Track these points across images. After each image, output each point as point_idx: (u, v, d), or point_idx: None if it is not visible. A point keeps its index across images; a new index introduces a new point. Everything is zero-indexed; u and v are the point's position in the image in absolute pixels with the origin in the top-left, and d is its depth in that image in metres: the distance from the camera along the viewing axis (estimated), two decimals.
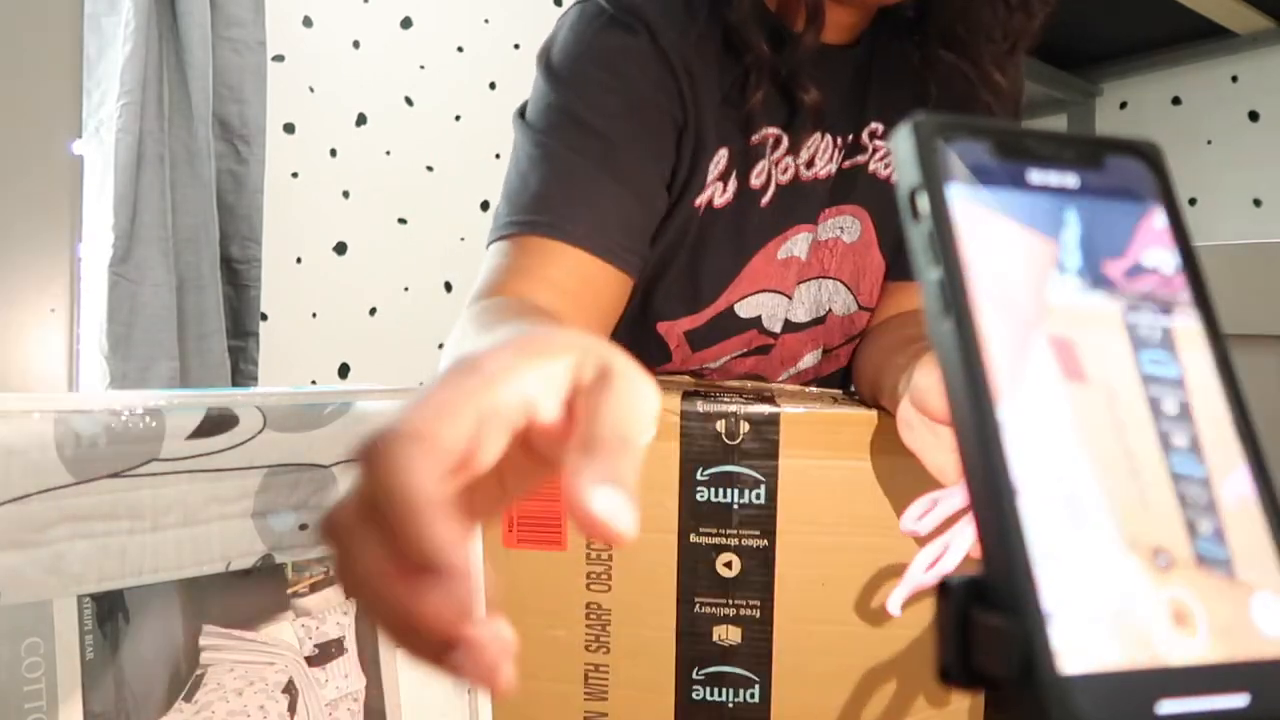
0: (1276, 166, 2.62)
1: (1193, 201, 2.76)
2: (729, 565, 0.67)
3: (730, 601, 0.68)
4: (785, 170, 0.69)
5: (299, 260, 2.26)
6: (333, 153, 2.31)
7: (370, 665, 0.58)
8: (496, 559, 0.69)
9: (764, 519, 0.67)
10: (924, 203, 0.20)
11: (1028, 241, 0.21)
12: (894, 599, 0.57)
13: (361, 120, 2.35)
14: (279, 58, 2.19)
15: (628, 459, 0.26)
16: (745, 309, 0.73)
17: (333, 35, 2.30)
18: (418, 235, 2.42)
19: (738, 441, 0.67)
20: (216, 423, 0.55)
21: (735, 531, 0.67)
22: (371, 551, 0.25)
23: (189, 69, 1.92)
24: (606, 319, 0.66)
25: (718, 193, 0.69)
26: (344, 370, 2.33)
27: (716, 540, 0.68)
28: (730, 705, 0.67)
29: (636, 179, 0.65)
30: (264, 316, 2.16)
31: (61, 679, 0.48)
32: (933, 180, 0.20)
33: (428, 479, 0.25)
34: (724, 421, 0.66)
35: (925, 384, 0.53)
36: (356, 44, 2.34)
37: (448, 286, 2.47)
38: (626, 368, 0.28)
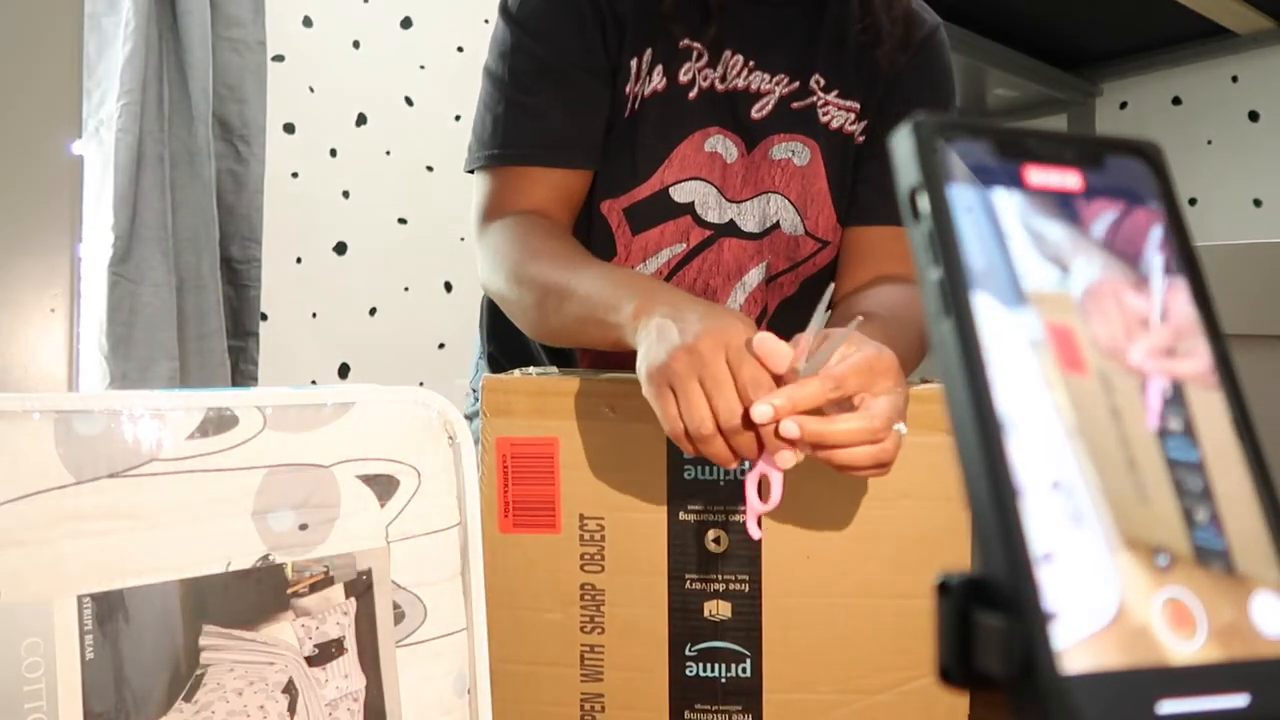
0: (1276, 166, 2.62)
1: (1193, 201, 2.76)
2: (717, 541, 0.69)
3: (719, 577, 0.69)
4: (707, 79, 0.80)
5: (299, 260, 2.26)
6: (333, 153, 2.31)
7: (370, 665, 0.58)
8: (494, 545, 0.70)
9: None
10: (924, 203, 0.20)
11: (1028, 241, 0.21)
12: (750, 526, 0.59)
13: (361, 120, 2.35)
14: (279, 58, 2.19)
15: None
16: (679, 194, 0.80)
17: (333, 35, 2.30)
18: (418, 235, 2.42)
19: None
20: (216, 423, 0.55)
21: (722, 507, 0.69)
22: (700, 403, 0.52)
23: (189, 69, 1.92)
24: (579, 200, 0.81)
25: (647, 82, 0.79)
26: (344, 370, 2.33)
27: (704, 517, 0.69)
28: (723, 680, 0.69)
29: (581, 84, 0.78)
30: (264, 316, 2.16)
31: (61, 679, 0.48)
32: (933, 180, 0.20)
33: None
34: None
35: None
36: (356, 44, 2.34)
37: (448, 286, 2.47)
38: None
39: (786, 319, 0.87)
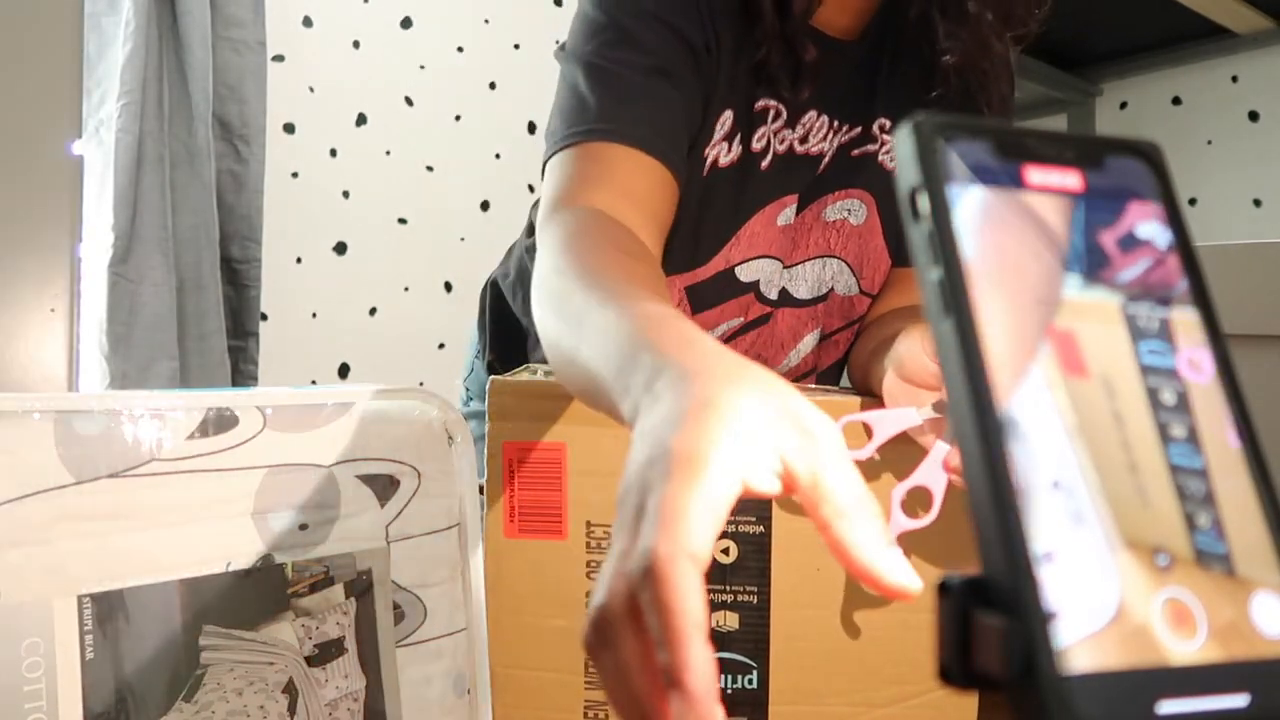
0: (1276, 166, 2.62)
1: (1193, 201, 2.76)
2: (726, 552, 0.68)
3: (728, 588, 0.68)
4: (783, 141, 0.72)
5: (299, 260, 2.26)
6: (333, 153, 2.31)
7: (370, 665, 0.58)
8: (499, 550, 0.70)
9: (759, 505, 0.68)
10: (924, 203, 0.20)
11: (1028, 241, 0.21)
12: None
13: (361, 120, 2.35)
14: (279, 58, 2.19)
15: (878, 516, 0.30)
16: (745, 273, 0.75)
17: (333, 35, 2.30)
18: (418, 235, 2.42)
19: None
20: (216, 423, 0.55)
21: (732, 518, 0.67)
22: (635, 654, 0.28)
23: (189, 69, 1.92)
24: (666, 224, 0.67)
25: (723, 151, 0.71)
26: (344, 370, 2.33)
27: None
28: (729, 691, 0.68)
29: (684, 87, 0.67)
30: (264, 316, 2.16)
31: (61, 679, 0.48)
32: (933, 180, 0.20)
33: (699, 605, 0.27)
34: None
35: (906, 350, 0.53)
36: (356, 44, 2.34)
37: (448, 286, 2.47)
38: (822, 425, 0.32)
39: (834, 372, 0.84)
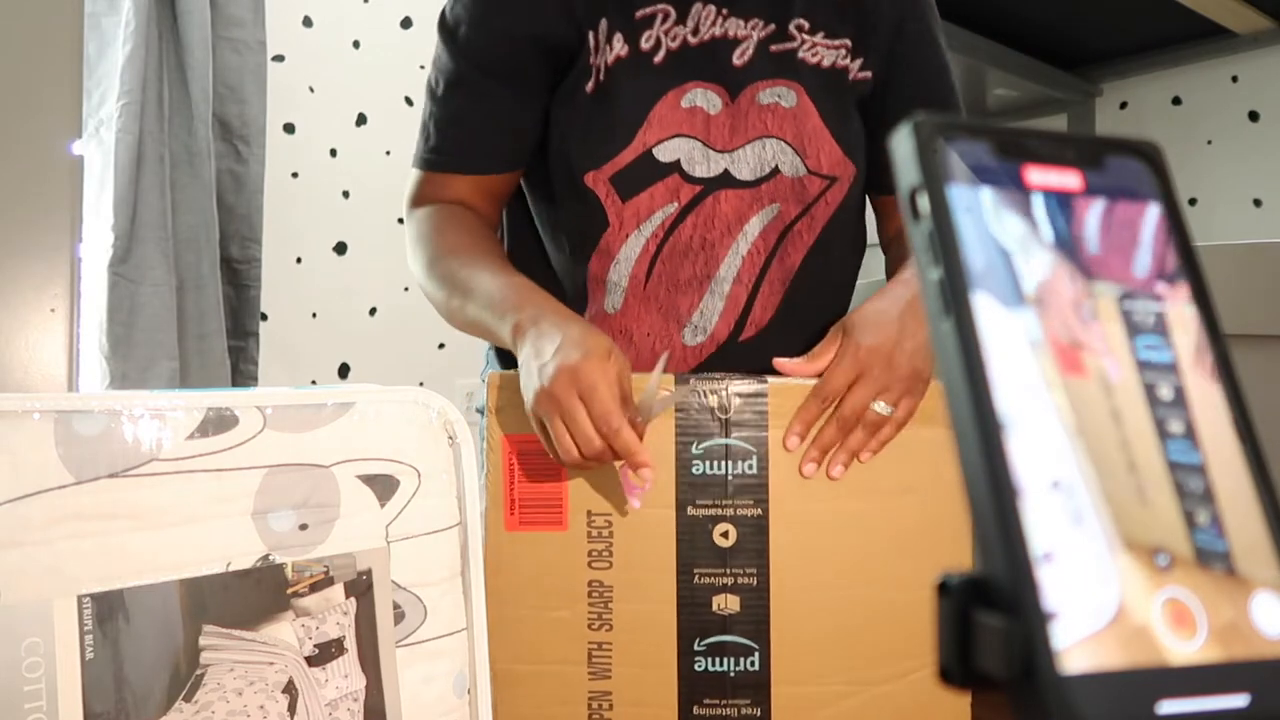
0: (1276, 166, 2.62)
1: (1193, 201, 2.76)
2: (725, 535, 0.69)
3: (728, 571, 0.69)
4: (675, 39, 0.81)
5: (299, 260, 2.26)
6: (333, 153, 2.31)
7: (370, 665, 0.58)
8: (499, 542, 0.70)
9: (757, 488, 0.69)
10: (924, 203, 0.20)
11: (1028, 241, 0.21)
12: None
13: (361, 120, 2.35)
14: (279, 58, 2.19)
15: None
16: (663, 153, 0.80)
17: (333, 35, 2.30)
18: None
19: (728, 415, 0.70)
20: (216, 423, 0.55)
21: (730, 502, 0.69)
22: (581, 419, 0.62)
23: (189, 69, 1.92)
24: (503, 200, 0.90)
25: (608, 51, 0.80)
26: (344, 370, 2.33)
27: (713, 511, 0.70)
28: (731, 674, 0.69)
29: (495, 94, 0.83)
30: (264, 316, 2.16)
31: (61, 679, 0.48)
32: (933, 180, 0.20)
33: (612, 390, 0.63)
34: (716, 396, 0.70)
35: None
36: (356, 44, 2.34)
37: None
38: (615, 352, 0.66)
39: (818, 268, 0.85)
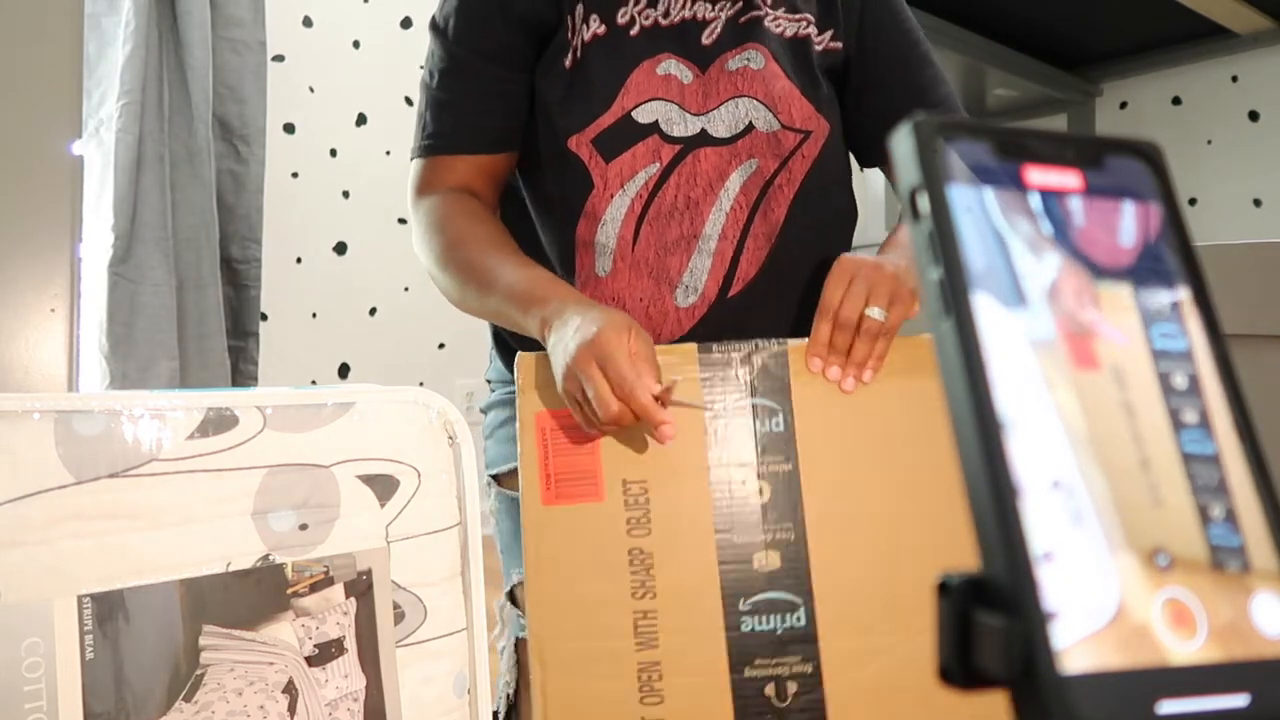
0: (1276, 166, 2.62)
1: (1193, 201, 2.76)
2: (760, 492, 0.71)
3: (765, 527, 0.70)
4: (648, 19, 0.86)
5: (299, 260, 2.26)
6: (333, 153, 2.31)
7: (370, 665, 0.58)
8: (538, 519, 0.70)
9: (785, 443, 0.71)
10: (924, 203, 0.20)
11: (1028, 241, 0.21)
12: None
13: (361, 120, 2.35)
14: (279, 58, 2.19)
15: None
16: (641, 115, 0.85)
17: (333, 35, 2.30)
18: None
19: (753, 377, 0.73)
20: (216, 423, 0.55)
21: (762, 459, 0.71)
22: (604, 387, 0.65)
23: (189, 69, 1.92)
24: (501, 184, 0.92)
25: (585, 29, 0.85)
26: (344, 370, 2.33)
27: (746, 469, 0.71)
28: (779, 632, 0.68)
29: (489, 77, 0.87)
30: (264, 316, 2.16)
31: (61, 679, 0.48)
32: (933, 180, 0.20)
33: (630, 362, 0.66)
34: (739, 360, 0.73)
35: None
36: (356, 44, 2.34)
37: None
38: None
39: (801, 222, 0.88)
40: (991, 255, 0.20)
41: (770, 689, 0.67)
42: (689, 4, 0.86)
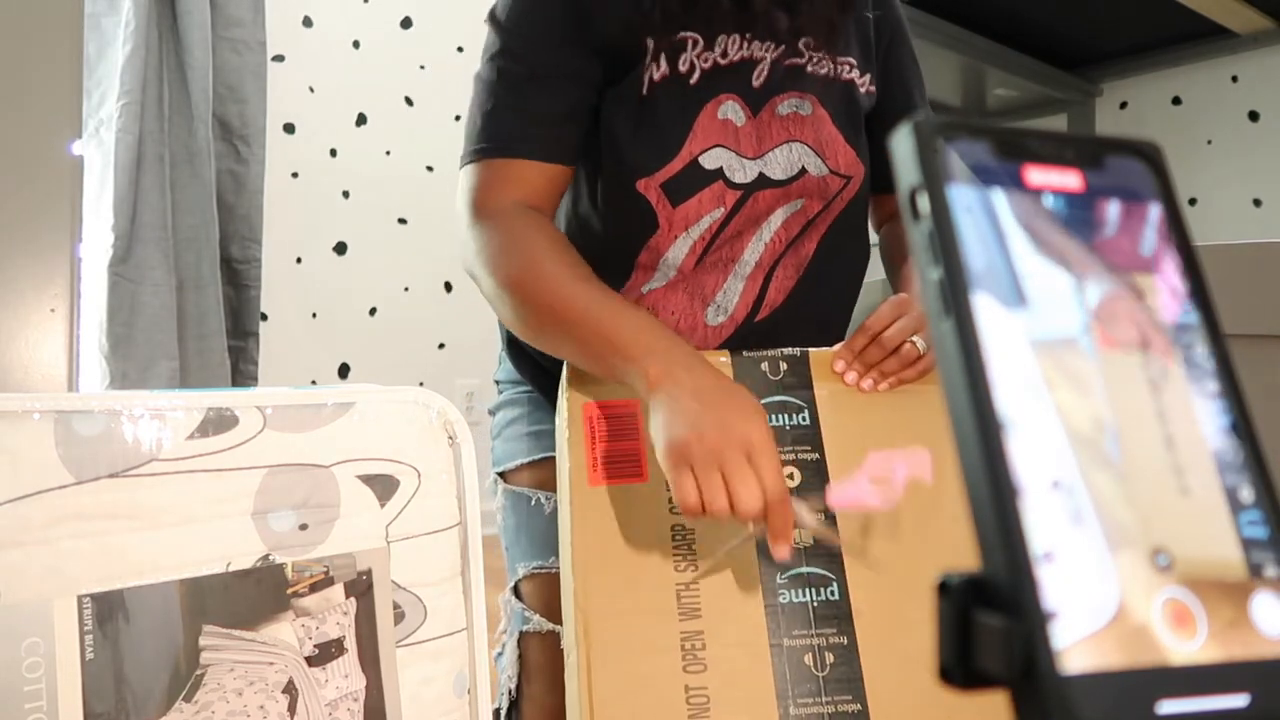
0: (1276, 166, 2.62)
1: (1193, 201, 2.76)
2: (791, 477, 0.76)
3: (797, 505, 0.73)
4: (707, 61, 0.87)
5: (299, 260, 2.26)
6: (333, 153, 2.31)
7: (370, 665, 0.58)
8: (583, 497, 0.73)
9: (811, 436, 0.77)
10: (924, 203, 0.20)
11: (1028, 241, 0.21)
12: (834, 495, 0.68)
13: (361, 120, 2.35)
14: (279, 58, 2.19)
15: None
16: (707, 161, 0.87)
17: (333, 35, 2.30)
18: (418, 235, 2.42)
19: (779, 377, 0.80)
20: (216, 423, 0.55)
21: (791, 448, 0.77)
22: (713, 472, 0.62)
23: (189, 69, 1.92)
24: (559, 196, 0.88)
25: (654, 70, 0.86)
26: (344, 370, 2.33)
27: (782, 457, 0.75)
28: (814, 605, 0.72)
29: (560, 88, 0.85)
30: (264, 316, 2.16)
31: (61, 679, 0.48)
32: (933, 180, 0.20)
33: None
34: (767, 362, 0.80)
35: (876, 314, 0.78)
36: (356, 44, 2.34)
37: (448, 286, 2.47)
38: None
39: (828, 258, 0.92)
40: (991, 255, 0.20)
41: (809, 658, 0.71)
42: (745, 44, 0.87)
